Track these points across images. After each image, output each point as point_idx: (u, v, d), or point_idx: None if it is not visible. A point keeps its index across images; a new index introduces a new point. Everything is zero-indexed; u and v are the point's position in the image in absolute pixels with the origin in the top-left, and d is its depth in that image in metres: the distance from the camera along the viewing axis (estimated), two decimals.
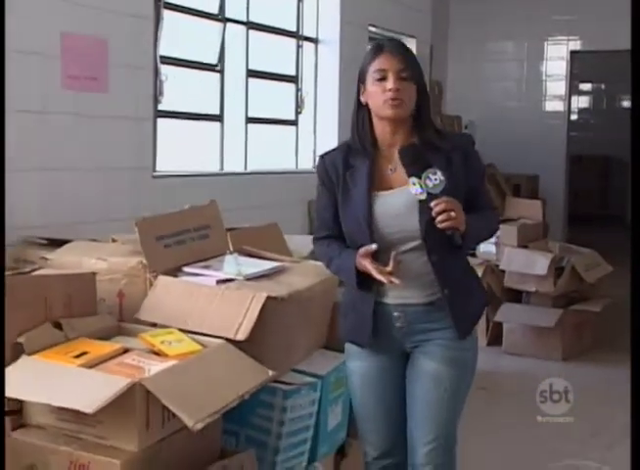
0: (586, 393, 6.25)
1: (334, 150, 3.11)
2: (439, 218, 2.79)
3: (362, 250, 2.88)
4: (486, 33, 11.47)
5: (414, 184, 2.85)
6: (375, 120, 3.00)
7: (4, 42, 2.89)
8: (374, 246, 2.87)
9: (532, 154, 10.67)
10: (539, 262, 6.98)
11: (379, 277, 2.84)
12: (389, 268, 2.83)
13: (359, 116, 3.03)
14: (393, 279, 2.82)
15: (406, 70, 2.91)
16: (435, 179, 2.81)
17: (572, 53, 11.48)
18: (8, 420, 2.94)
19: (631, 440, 2.41)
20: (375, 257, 2.90)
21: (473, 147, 3.10)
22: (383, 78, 2.91)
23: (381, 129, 3.00)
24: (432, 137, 2.98)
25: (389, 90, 2.89)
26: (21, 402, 2.96)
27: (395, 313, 3.01)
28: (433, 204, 2.80)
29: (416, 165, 2.87)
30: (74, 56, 4.62)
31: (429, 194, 2.82)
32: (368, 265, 2.86)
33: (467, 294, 3.05)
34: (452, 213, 2.79)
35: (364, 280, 2.93)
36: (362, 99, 3.01)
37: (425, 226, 2.88)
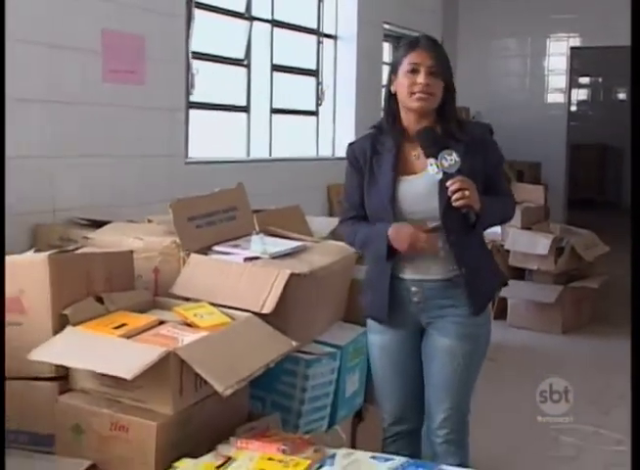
0: (584, 363, 6.25)
1: (362, 138, 3.09)
2: (455, 197, 2.76)
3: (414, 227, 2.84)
4: (492, 31, 11.43)
5: (431, 165, 2.83)
6: (402, 110, 2.97)
7: (4, 42, 2.84)
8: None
9: (535, 142, 10.69)
10: (541, 243, 7.00)
11: (424, 246, 2.81)
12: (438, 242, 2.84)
13: (390, 104, 3.00)
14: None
15: (436, 67, 2.88)
16: (451, 159, 2.78)
17: (572, 49, 11.46)
18: (56, 385, 2.96)
19: (632, 439, 2.29)
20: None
21: (491, 136, 3.08)
22: (414, 71, 2.88)
23: (407, 119, 2.97)
24: (453, 128, 2.94)
25: (419, 84, 2.86)
26: (66, 369, 2.95)
27: (413, 289, 2.98)
28: (448, 183, 2.77)
29: (433, 147, 2.83)
30: (114, 51, 4.61)
31: (445, 173, 2.79)
32: (421, 235, 2.82)
33: (483, 273, 3.01)
34: (466, 192, 2.75)
35: (390, 249, 2.88)
36: (392, 89, 2.97)
37: (443, 208, 2.85)
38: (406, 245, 2.82)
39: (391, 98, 2.98)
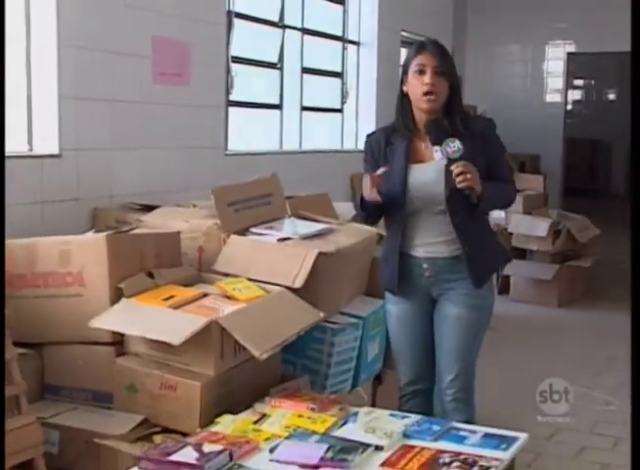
0: (577, 333, 6.23)
1: (377, 131, 3.10)
2: (458, 179, 2.75)
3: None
4: (497, 38, 11.35)
5: (437, 151, 2.82)
6: (413, 107, 2.95)
7: (4, 42, 2.79)
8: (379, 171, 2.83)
9: (535, 137, 10.58)
10: (540, 226, 7.00)
11: (368, 188, 2.80)
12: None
13: (402, 102, 2.98)
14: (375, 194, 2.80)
15: (441, 68, 2.87)
16: (455, 146, 2.77)
17: (568, 54, 11.38)
18: (113, 349, 2.98)
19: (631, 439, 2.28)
20: (407, 218, 2.91)
21: (493, 130, 3.04)
22: (422, 72, 2.87)
23: (418, 115, 2.95)
24: (458, 122, 2.92)
25: (427, 84, 2.85)
26: (122, 335, 2.97)
27: (425, 265, 2.96)
28: (452, 167, 2.76)
29: (439, 136, 2.82)
30: (163, 56, 4.60)
31: (449, 159, 2.77)
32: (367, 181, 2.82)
33: (485, 251, 2.98)
34: (468, 175, 2.74)
35: (368, 206, 2.91)
36: (404, 88, 2.96)
37: (448, 193, 2.83)
38: (366, 190, 2.83)
39: (404, 97, 2.97)
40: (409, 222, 2.93)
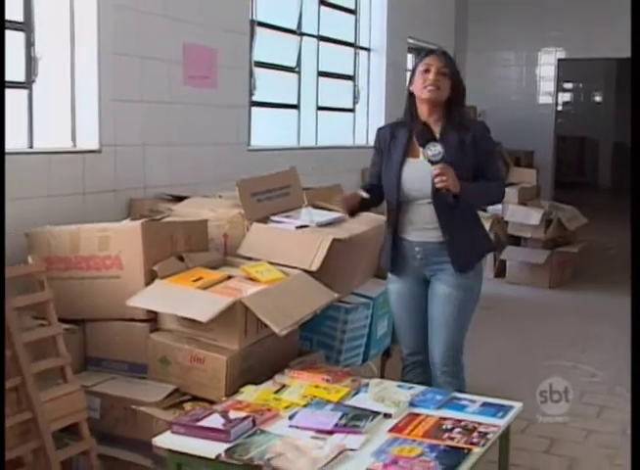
0: (566, 312, 6.18)
1: (386, 125, 3.14)
2: (436, 180, 2.79)
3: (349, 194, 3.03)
4: (495, 45, 11.36)
5: (422, 153, 2.84)
6: (418, 104, 2.96)
7: (4, 42, 2.71)
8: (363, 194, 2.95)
9: (529, 134, 10.60)
10: (534, 216, 6.96)
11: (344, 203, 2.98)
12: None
13: (409, 101, 3.00)
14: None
15: (445, 68, 2.91)
16: (435, 150, 2.79)
17: (559, 60, 11.42)
18: (147, 325, 2.98)
19: (632, 439, 2.19)
20: (402, 205, 2.95)
21: (485, 132, 3.04)
22: (427, 71, 2.90)
23: (420, 110, 2.97)
24: (455, 122, 2.93)
25: (430, 79, 2.88)
26: (155, 313, 2.97)
27: (417, 248, 2.98)
28: (432, 168, 2.79)
29: (422, 139, 2.84)
30: (193, 61, 4.57)
31: (430, 161, 2.80)
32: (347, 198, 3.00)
33: (468, 240, 2.96)
34: (444, 177, 2.76)
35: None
36: (411, 88, 2.97)
37: (433, 188, 2.85)
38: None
39: (411, 96, 2.98)
40: (403, 209, 2.96)
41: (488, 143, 3.01)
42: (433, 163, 2.78)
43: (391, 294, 3.13)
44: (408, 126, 2.96)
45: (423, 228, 2.93)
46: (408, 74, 3.06)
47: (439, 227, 2.90)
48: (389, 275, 3.13)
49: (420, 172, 2.88)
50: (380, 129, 3.11)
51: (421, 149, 2.83)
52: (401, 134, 2.97)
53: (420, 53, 3.06)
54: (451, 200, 2.80)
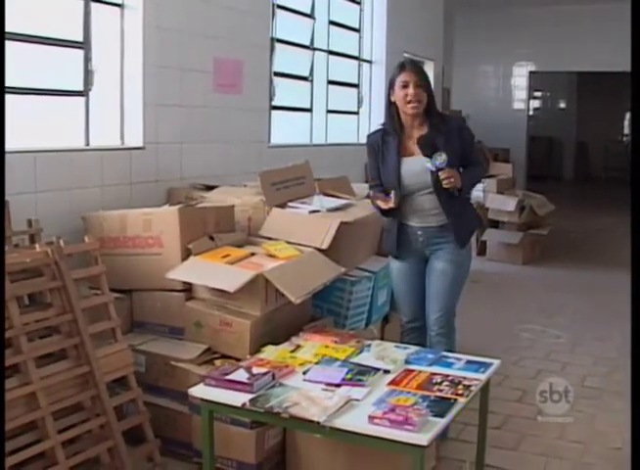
0: (536, 285, 6.14)
1: (374, 132, 3.02)
2: (444, 182, 2.78)
3: (380, 194, 2.88)
4: (476, 59, 11.42)
5: (428, 162, 2.80)
6: (400, 112, 2.89)
7: (4, 42, 2.52)
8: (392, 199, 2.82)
9: (505, 135, 10.70)
10: (510, 203, 6.89)
11: (384, 206, 2.83)
12: (391, 203, 2.81)
13: (390, 110, 2.92)
14: (391, 205, 2.80)
15: (420, 82, 2.84)
16: (441, 159, 2.77)
17: (530, 72, 11.55)
18: (183, 295, 2.95)
19: (632, 439, 2.02)
20: (404, 198, 2.86)
21: (464, 123, 3.03)
22: (405, 86, 2.83)
23: (404, 119, 2.90)
24: (436, 122, 2.88)
25: (411, 94, 2.81)
26: (190, 284, 2.94)
27: (419, 232, 2.93)
28: (440, 173, 2.77)
29: (429, 151, 2.80)
30: (221, 71, 4.51)
31: (438, 168, 2.77)
32: (380, 201, 2.86)
33: (464, 220, 2.96)
34: (452, 179, 2.76)
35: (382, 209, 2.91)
36: (392, 98, 2.89)
37: (433, 181, 2.81)
38: (383, 206, 2.84)
39: (391, 104, 2.90)
40: (405, 201, 2.88)
41: (469, 132, 2.99)
42: (440, 169, 2.76)
43: (394, 271, 3.07)
44: (396, 132, 2.89)
45: (423, 215, 2.90)
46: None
47: (443, 213, 2.87)
48: (392, 255, 3.06)
49: (416, 168, 2.84)
50: (370, 136, 3.01)
51: (427, 160, 2.78)
52: (391, 139, 2.90)
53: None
54: (457, 193, 2.83)
